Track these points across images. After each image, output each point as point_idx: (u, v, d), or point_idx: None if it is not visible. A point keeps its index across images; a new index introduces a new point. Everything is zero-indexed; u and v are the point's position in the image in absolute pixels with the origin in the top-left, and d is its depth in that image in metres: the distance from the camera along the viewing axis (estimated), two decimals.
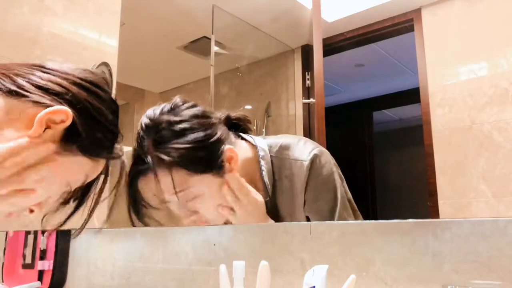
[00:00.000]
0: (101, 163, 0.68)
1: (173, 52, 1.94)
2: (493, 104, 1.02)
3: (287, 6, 1.69)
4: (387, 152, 1.32)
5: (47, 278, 1.28)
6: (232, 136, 0.82)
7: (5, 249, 1.41)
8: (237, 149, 0.79)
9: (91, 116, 0.61)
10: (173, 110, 0.77)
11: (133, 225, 0.78)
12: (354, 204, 0.84)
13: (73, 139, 0.60)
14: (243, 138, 0.85)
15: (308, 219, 0.83)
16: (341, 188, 0.82)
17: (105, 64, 1.35)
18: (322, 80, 1.40)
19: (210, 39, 1.78)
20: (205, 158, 0.74)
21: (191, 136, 0.73)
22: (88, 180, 0.68)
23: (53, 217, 0.71)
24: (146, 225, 0.77)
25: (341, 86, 1.47)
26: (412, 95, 1.18)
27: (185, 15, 1.83)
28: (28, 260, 1.35)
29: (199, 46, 1.91)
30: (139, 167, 0.75)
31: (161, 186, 0.73)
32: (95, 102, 0.62)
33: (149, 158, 0.73)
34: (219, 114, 0.82)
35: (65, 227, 0.72)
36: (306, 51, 1.53)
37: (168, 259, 1.03)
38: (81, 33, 1.42)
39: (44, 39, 1.32)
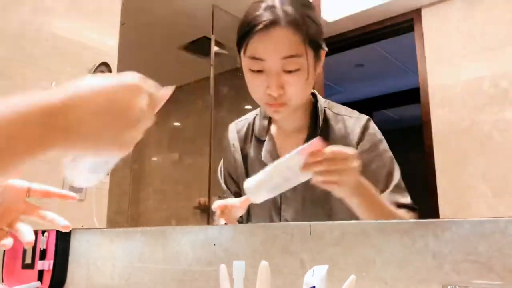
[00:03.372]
0: None
1: (173, 52, 1.94)
2: (493, 104, 1.02)
3: None
4: None
5: (47, 278, 1.28)
6: None
7: (5, 249, 1.41)
8: None
9: None
10: None
11: None
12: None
13: None
14: None
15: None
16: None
17: (105, 64, 1.35)
18: (322, 80, 1.40)
19: (210, 39, 1.78)
20: (315, 32, 0.80)
21: (316, 16, 0.81)
22: None
23: None
24: None
25: (341, 86, 1.46)
26: (412, 95, 1.18)
27: (185, 15, 1.82)
28: (28, 260, 1.35)
29: (199, 46, 1.91)
30: (260, 20, 0.78)
31: (278, 43, 0.77)
32: None
33: (278, 11, 0.77)
34: None
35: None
36: None
37: (168, 259, 1.03)
38: (81, 33, 1.42)
39: (44, 39, 1.32)
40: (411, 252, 0.67)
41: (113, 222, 1.49)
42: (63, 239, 1.32)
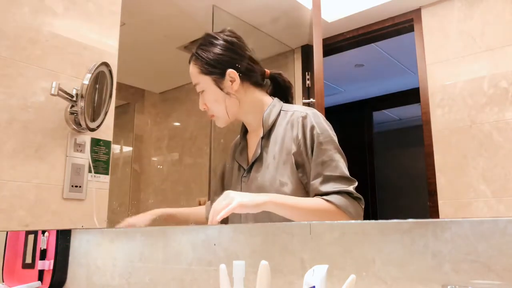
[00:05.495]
0: None
1: (173, 52, 1.94)
2: (493, 104, 1.02)
3: (287, 6, 1.69)
4: (387, 152, 1.32)
5: (47, 278, 1.28)
6: (262, 87, 1.09)
7: (5, 249, 1.41)
8: (257, 95, 1.07)
9: None
10: (222, 32, 1.07)
11: None
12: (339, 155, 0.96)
13: None
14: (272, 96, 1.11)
15: (296, 166, 0.96)
16: (321, 136, 0.96)
17: (105, 64, 1.35)
18: (322, 80, 1.40)
19: None
20: (211, 66, 1.04)
21: (213, 49, 1.04)
22: None
23: None
24: None
25: (341, 86, 1.47)
26: (412, 95, 1.18)
27: (185, 15, 1.82)
28: (29, 260, 1.36)
29: None
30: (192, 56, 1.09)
31: (191, 75, 1.08)
32: None
33: (193, 52, 1.07)
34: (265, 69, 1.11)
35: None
36: (306, 51, 1.53)
37: (168, 259, 1.03)
38: (81, 33, 1.41)
39: (44, 39, 1.32)
40: (410, 252, 0.67)
41: (113, 222, 1.49)
42: (63, 239, 1.32)
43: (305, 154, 0.95)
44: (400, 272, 0.67)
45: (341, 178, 0.92)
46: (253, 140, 1.08)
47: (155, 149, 2.11)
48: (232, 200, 0.87)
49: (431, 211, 1.05)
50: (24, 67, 1.27)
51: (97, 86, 1.33)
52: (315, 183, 0.92)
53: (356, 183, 0.92)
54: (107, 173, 1.40)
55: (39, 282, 1.30)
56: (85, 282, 1.25)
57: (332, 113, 1.35)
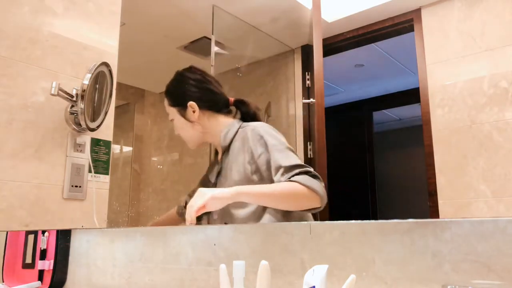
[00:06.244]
0: None
1: (173, 52, 1.94)
2: (493, 104, 1.02)
3: (287, 6, 1.69)
4: (387, 152, 1.33)
5: (48, 278, 1.29)
6: (226, 113, 1.20)
7: (5, 249, 1.41)
8: (220, 121, 1.18)
9: None
10: (188, 70, 1.22)
11: None
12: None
13: None
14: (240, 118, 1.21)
15: (252, 171, 1.05)
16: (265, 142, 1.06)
17: (105, 64, 1.35)
18: (322, 80, 1.40)
19: (210, 39, 1.78)
20: (176, 99, 1.21)
21: (178, 85, 1.21)
22: None
23: None
24: None
25: (341, 86, 1.47)
26: (412, 95, 1.19)
27: (185, 15, 1.82)
28: (29, 260, 1.36)
29: (199, 46, 1.91)
30: None
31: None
32: None
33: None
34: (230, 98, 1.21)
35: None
36: (306, 51, 1.53)
37: (168, 259, 1.03)
38: (81, 33, 1.41)
39: (44, 39, 1.32)
40: (411, 252, 0.67)
41: (113, 222, 1.49)
42: (63, 239, 1.32)
43: (258, 158, 1.04)
44: (400, 272, 0.67)
45: (297, 165, 1.00)
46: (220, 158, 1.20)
47: (155, 149, 2.11)
48: (205, 194, 0.96)
49: (431, 211, 1.05)
50: (24, 67, 1.27)
51: (97, 86, 1.33)
52: (277, 176, 1.00)
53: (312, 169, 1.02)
54: (107, 173, 1.40)
55: (39, 282, 1.30)
56: (85, 282, 1.25)
57: (332, 113, 1.35)
